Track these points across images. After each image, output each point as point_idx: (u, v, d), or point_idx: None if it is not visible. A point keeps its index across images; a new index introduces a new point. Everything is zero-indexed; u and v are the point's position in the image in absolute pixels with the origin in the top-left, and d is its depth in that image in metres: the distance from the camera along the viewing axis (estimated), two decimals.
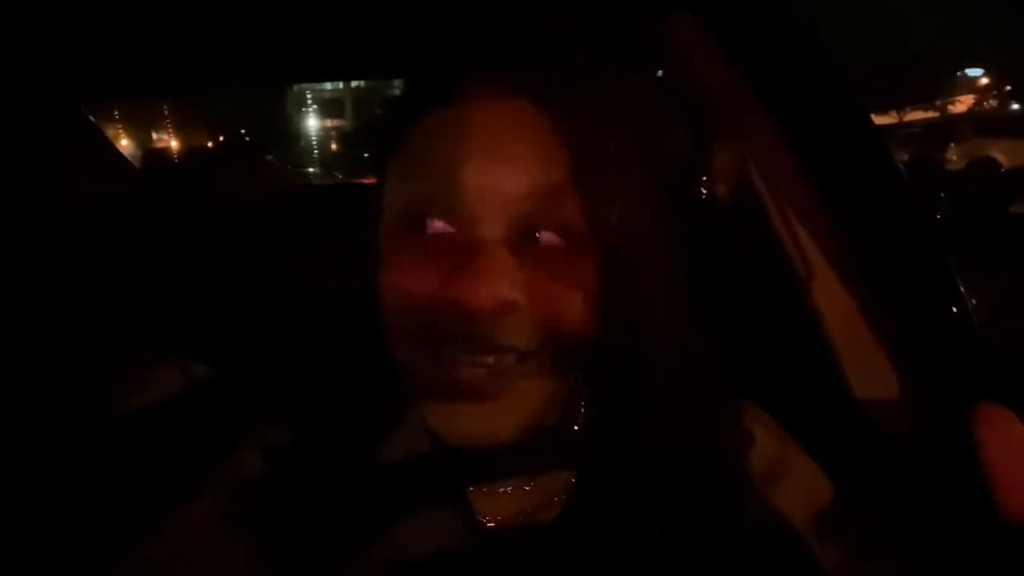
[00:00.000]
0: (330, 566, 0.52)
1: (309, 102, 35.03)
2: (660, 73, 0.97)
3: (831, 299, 0.78)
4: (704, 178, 1.02)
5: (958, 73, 25.00)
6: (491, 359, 0.50)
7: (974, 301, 0.73)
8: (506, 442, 0.54)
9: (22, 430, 0.62)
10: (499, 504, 0.58)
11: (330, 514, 0.52)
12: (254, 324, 0.95)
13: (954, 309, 0.71)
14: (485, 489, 0.58)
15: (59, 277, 1.07)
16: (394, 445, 0.56)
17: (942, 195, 4.25)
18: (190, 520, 0.53)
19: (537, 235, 0.50)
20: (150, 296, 1.08)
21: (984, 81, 24.58)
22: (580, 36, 0.54)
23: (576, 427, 0.60)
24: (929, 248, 0.73)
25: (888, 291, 0.74)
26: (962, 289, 0.72)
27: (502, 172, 0.49)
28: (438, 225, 0.51)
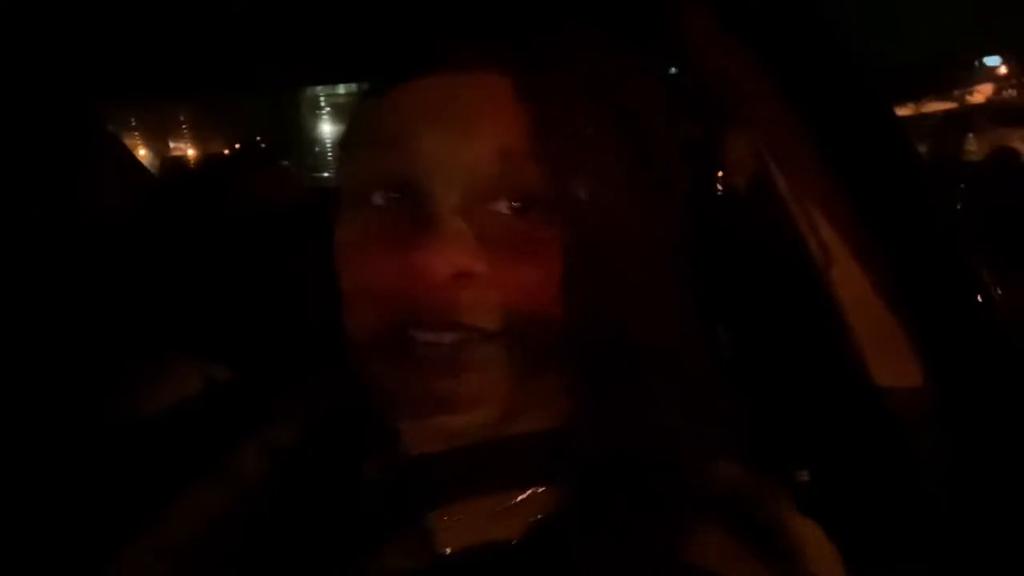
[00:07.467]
0: None
1: (323, 106, 35.24)
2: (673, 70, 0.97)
3: (850, 286, 0.78)
4: (720, 169, 1.01)
5: (976, 62, 24.62)
6: (451, 337, 0.46)
7: (999, 291, 0.72)
8: (478, 455, 0.51)
9: (40, 430, 0.62)
10: (461, 527, 0.51)
11: (305, 528, 0.50)
12: (266, 329, 0.96)
13: (979, 298, 0.71)
14: (447, 513, 0.52)
15: (78, 284, 1.08)
16: (370, 460, 0.53)
17: (962, 186, 4.18)
18: (188, 518, 0.53)
19: (497, 204, 0.47)
20: (167, 301, 1.09)
21: (1003, 70, 24.16)
22: (558, 11, 0.51)
23: (549, 439, 0.53)
24: (951, 238, 0.73)
25: (909, 280, 0.73)
26: (986, 279, 0.72)
27: (455, 136, 0.46)
28: (390, 196, 0.48)
